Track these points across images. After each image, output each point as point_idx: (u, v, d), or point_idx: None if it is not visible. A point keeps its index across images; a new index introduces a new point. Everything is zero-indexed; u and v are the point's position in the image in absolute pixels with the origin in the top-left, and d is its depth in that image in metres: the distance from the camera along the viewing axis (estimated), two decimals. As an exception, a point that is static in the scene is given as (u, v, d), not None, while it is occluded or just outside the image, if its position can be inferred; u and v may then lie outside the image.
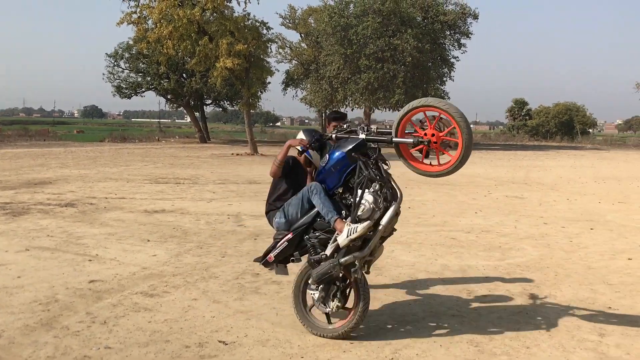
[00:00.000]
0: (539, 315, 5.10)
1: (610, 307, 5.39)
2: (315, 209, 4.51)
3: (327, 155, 4.58)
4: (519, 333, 4.66)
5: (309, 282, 4.53)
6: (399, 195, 4.38)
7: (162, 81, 43.72)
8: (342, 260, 4.31)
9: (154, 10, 26.20)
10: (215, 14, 27.71)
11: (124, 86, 45.77)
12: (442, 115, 4.32)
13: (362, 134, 4.44)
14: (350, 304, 4.53)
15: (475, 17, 41.14)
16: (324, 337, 4.48)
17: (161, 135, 51.88)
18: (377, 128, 4.62)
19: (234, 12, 28.71)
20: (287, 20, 45.01)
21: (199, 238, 8.21)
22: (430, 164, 4.52)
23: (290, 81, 45.70)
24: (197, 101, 47.52)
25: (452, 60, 41.76)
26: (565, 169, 23.47)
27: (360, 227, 4.22)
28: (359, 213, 4.27)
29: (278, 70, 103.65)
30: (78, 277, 6.06)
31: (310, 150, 4.80)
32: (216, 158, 26.37)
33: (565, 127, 76.78)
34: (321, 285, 4.46)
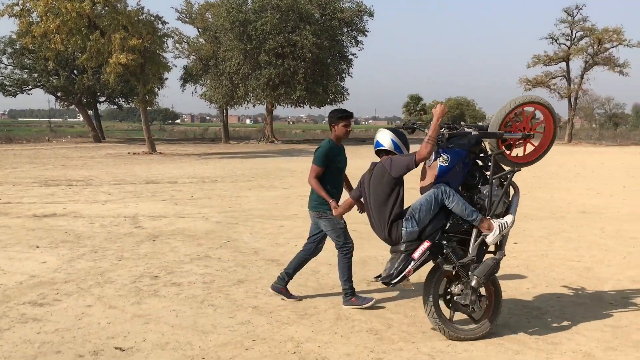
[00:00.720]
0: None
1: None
2: (441, 213, 4.33)
3: (446, 155, 4.40)
4: (415, 319, 4.86)
5: (460, 288, 4.42)
6: (518, 188, 4.62)
7: (50, 78, 41.35)
8: (499, 256, 4.42)
9: (39, 2, 24.60)
10: (107, 8, 26.48)
11: (8, 83, 42.83)
12: (538, 110, 4.71)
13: (474, 131, 4.49)
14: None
15: (371, 14, 42.21)
16: (476, 338, 4.40)
17: (52, 135, 48.98)
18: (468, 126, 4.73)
19: (127, 6, 27.67)
20: (184, 15, 43.96)
21: (93, 242, 7.84)
22: (517, 156, 4.77)
23: (189, 77, 44.67)
24: (89, 99, 45.36)
25: (350, 57, 42.66)
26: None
27: (510, 221, 4.35)
28: (496, 209, 4.44)
29: (175, 66, 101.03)
30: (-44, 290, 5.59)
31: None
32: (112, 158, 25.29)
33: (457, 120, 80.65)
34: (470, 289, 4.36)
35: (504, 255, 4.50)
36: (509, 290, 5.70)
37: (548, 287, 5.86)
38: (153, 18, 28.72)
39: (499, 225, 4.31)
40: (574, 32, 43.46)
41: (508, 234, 4.46)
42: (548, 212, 10.73)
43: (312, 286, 5.80)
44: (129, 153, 28.31)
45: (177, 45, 43.28)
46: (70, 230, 8.67)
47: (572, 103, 44.69)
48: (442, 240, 4.34)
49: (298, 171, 18.98)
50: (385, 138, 4.66)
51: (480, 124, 5.07)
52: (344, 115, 5.27)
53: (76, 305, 5.15)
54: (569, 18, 43.24)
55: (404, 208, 4.39)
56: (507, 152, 4.68)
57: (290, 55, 36.55)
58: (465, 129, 4.53)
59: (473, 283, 4.30)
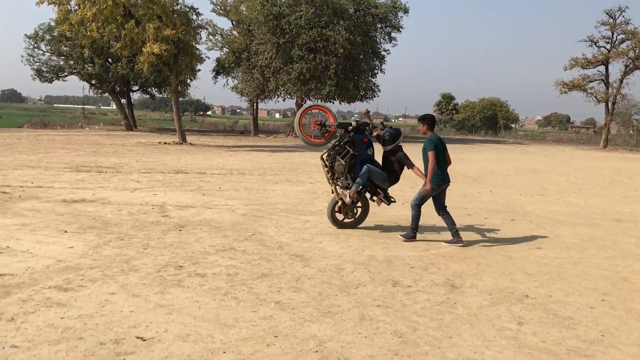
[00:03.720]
0: (461, 305, 5.19)
1: (528, 296, 5.57)
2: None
3: None
4: (442, 323, 4.73)
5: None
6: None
7: (86, 65, 41.94)
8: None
9: (76, -10, 24.96)
10: (143, -3, 26.75)
11: (45, 70, 43.62)
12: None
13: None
14: None
15: (406, 11, 41.77)
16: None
17: (85, 121, 49.80)
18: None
19: (163, -4, 27.82)
20: (219, 7, 44.05)
21: (120, 229, 7.88)
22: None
23: (221, 69, 44.85)
24: (123, 87, 45.95)
25: (383, 53, 42.29)
26: (489, 162, 24.29)
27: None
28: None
29: (208, 58, 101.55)
30: (-15, 271, 5.65)
31: None
32: (142, 146, 25.55)
33: (489, 121, 79.61)
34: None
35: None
36: (539, 297, 5.53)
37: (581, 296, 5.66)
38: (188, 9, 28.86)
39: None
40: (615, 34, 42.39)
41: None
42: (581, 219, 10.44)
43: (336, 284, 5.69)
44: (159, 142, 28.57)
45: (211, 37, 43.51)
46: (98, 216, 8.73)
47: (610, 108, 43.63)
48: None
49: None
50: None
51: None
52: (418, 118, 8.41)
53: (100, 292, 5.15)
54: (610, 20, 42.17)
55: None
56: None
57: (322, 50, 36.39)
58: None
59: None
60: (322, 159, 8.61)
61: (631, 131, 75.44)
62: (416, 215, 7.91)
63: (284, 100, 42.56)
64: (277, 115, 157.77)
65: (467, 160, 24.62)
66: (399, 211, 10.33)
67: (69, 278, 5.51)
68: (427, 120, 8.14)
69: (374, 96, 41.12)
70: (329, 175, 8.42)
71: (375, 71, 41.35)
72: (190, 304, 4.93)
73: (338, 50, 35.94)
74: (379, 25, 41.55)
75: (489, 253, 7.36)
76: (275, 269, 6.13)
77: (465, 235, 8.37)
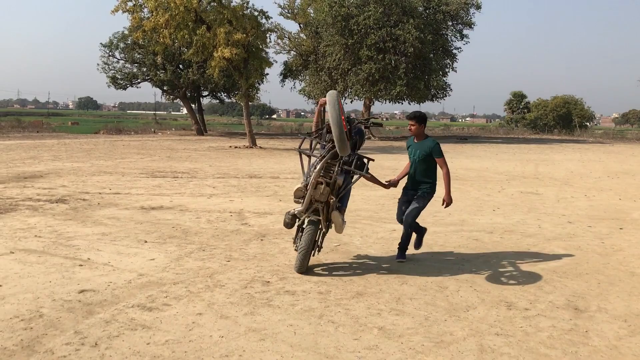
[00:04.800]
0: (594, 334, 4.45)
1: (671, 324, 4.76)
2: None
3: None
4: (578, 357, 4.02)
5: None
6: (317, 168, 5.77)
7: (158, 72, 42.88)
8: (290, 212, 6.17)
9: (150, -2, 25.36)
10: (213, 3, 26.93)
11: (119, 77, 44.91)
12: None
13: None
14: None
15: (478, 7, 40.41)
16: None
17: (157, 127, 51.08)
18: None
19: (232, 1, 27.94)
20: (286, 10, 44.10)
21: (200, 239, 7.54)
22: None
23: (288, 72, 44.87)
24: (193, 93, 46.72)
25: (454, 51, 41.05)
26: (573, 163, 22.85)
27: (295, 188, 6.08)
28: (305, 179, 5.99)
29: (276, 62, 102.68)
30: (67, 285, 5.37)
31: None
32: (214, 151, 25.64)
33: (563, 120, 76.26)
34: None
35: (295, 213, 6.06)
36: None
37: None
38: (257, 13, 28.82)
39: None
40: None
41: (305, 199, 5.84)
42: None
43: (442, 306, 5.07)
44: (230, 146, 28.66)
45: (279, 40, 43.56)
46: (177, 224, 8.46)
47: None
48: None
49: (400, 169, 18.16)
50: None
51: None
52: (407, 116, 6.32)
53: (186, 312, 4.75)
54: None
55: None
56: None
57: (391, 49, 35.63)
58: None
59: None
60: (300, 152, 6.17)
61: None
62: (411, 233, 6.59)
63: (351, 102, 42.01)
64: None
65: (551, 162, 23.25)
66: (492, 218, 9.55)
67: (153, 295, 5.16)
68: (424, 119, 6.53)
69: (446, 95, 40.03)
70: (323, 191, 5.76)
71: (447, 70, 40.18)
72: (284, 328, 4.44)
73: (408, 50, 35.09)
74: (450, 23, 40.38)
75: (607, 268, 6.52)
76: (370, 287, 5.57)
77: (571, 247, 7.54)
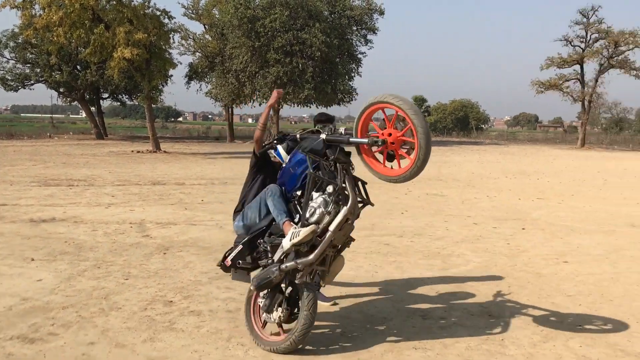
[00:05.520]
0: (510, 343, 4.38)
1: (581, 326, 4.79)
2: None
3: (289, 156, 4.37)
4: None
5: (251, 287, 4.23)
6: (350, 201, 3.88)
7: (53, 73, 40.30)
8: (284, 266, 3.98)
9: (41, -7, 23.68)
10: (112, 1, 25.59)
11: (10, 78, 41.88)
12: (399, 113, 3.77)
13: (323, 134, 4.02)
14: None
15: (382, 13, 41.23)
16: (279, 352, 4.01)
17: (54, 131, 48.11)
18: (345, 129, 4.15)
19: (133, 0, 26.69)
20: (190, 11, 42.93)
21: (96, 254, 6.90)
22: (391, 168, 3.99)
23: (194, 74, 43.70)
24: (92, 95, 44.44)
25: (359, 56, 41.65)
26: (473, 164, 23.74)
27: (303, 231, 3.84)
28: (307, 216, 3.96)
29: (180, 63, 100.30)
30: None
31: (280, 150, 4.48)
32: (115, 156, 24.36)
33: (461, 123, 79.94)
34: (266, 292, 4.18)
35: (299, 268, 3.91)
36: (594, 327, 4.76)
37: (639, 323, 4.90)
38: (159, 12, 27.72)
39: (291, 233, 3.90)
40: (589, 34, 42.51)
41: (321, 245, 3.85)
42: (594, 225, 9.78)
43: (357, 318, 4.84)
44: (132, 151, 27.39)
45: (183, 41, 42.30)
46: (70, 238, 7.73)
47: (586, 107, 43.72)
48: (262, 239, 4.26)
49: (311, 173, 18.04)
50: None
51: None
52: (319, 119, 4.48)
53: (75, 341, 4.21)
54: (584, 20, 42.28)
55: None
56: (378, 164, 4.03)
57: (299, 53, 35.57)
58: (339, 134, 4.06)
59: (251, 286, 4.22)
60: (319, 178, 4.12)
61: (596, 129, 76.29)
62: None
63: (260, 104, 41.51)
64: (250, 121, 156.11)
65: (452, 163, 24.02)
66: (401, 221, 9.54)
67: (37, 323, 4.56)
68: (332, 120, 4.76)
69: (352, 99, 40.44)
70: (349, 229, 4.09)
71: (353, 74, 40.66)
72: (188, 355, 4.02)
73: (315, 53, 35.16)
74: (355, 28, 40.93)
75: (514, 270, 6.59)
76: (282, 301, 5.25)
77: (479, 249, 7.61)
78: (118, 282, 5.76)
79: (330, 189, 3.96)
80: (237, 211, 4.56)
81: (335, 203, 3.92)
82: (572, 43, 43.21)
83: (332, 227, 3.86)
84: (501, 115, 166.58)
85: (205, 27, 42.84)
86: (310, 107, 40.87)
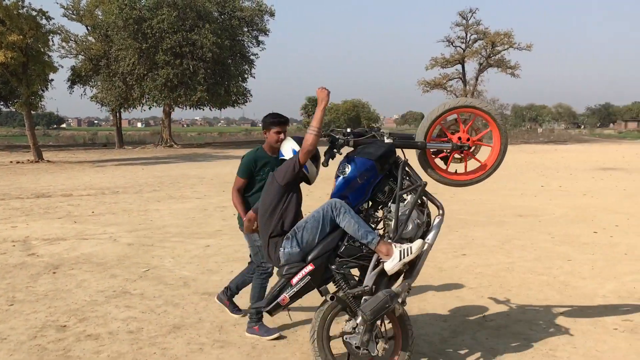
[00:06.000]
0: (421, 340, 4.43)
1: (485, 317, 4.95)
2: (336, 232, 3.57)
3: (345, 165, 3.68)
4: (412, 369, 3.93)
5: (351, 325, 3.59)
6: (443, 207, 3.76)
7: None
8: (396, 289, 3.55)
9: None
10: (-21, -1, 23.61)
11: None
12: (481, 116, 3.88)
13: (386, 138, 3.70)
14: None
15: (272, 14, 41.28)
16: None
17: None
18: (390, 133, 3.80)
19: (5, -1, 24.77)
20: (70, 11, 40.61)
21: (-27, 279, 6.24)
22: (456, 172, 4.00)
23: (77, 78, 41.37)
24: (-38, 102, 40.82)
25: (252, 57, 41.45)
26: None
27: (415, 247, 3.50)
28: (404, 231, 3.61)
29: (62, 67, 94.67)
30: None
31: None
32: (-9, 168, 22.46)
33: (353, 122, 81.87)
34: (362, 327, 3.55)
35: (408, 288, 3.64)
36: (498, 319, 4.93)
37: (538, 312, 5.14)
38: (35, 12, 25.94)
39: (400, 252, 3.50)
40: (469, 35, 45.02)
41: (421, 261, 3.63)
42: (485, 217, 10.27)
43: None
44: (11, 162, 25.40)
45: (64, 43, 39.92)
46: (-59, 263, 6.95)
47: (468, 104, 46.25)
48: (332, 265, 3.57)
49: (208, 178, 17.63)
50: (286, 147, 4.06)
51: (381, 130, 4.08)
52: (278, 121, 4.37)
53: (-47, 382, 3.74)
54: (464, 21, 44.71)
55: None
56: (444, 170, 3.97)
57: (189, 54, 34.78)
58: (384, 138, 3.75)
59: (358, 320, 3.56)
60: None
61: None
62: None
63: (150, 108, 40.18)
64: (140, 125, 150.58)
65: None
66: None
67: None
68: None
69: (246, 101, 40.16)
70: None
71: (246, 75, 40.38)
72: (87, 385, 3.69)
73: (206, 55, 34.53)
74: (246, 29, 40.65)
75: (418, 266, 6.72)
76: (188, 317, 4.99)
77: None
78: (1, 309, 5.22)
79: (410, 198, 3.67)
80: (276, 236, 3.63)
81: (426, 214, 3.74)
82: (453, 44, 45.61)
83: (430, 239, 3.67)
84: (390, 114, 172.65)
85: (87, 29, 40.73)
86: (203, 109, 40.19)
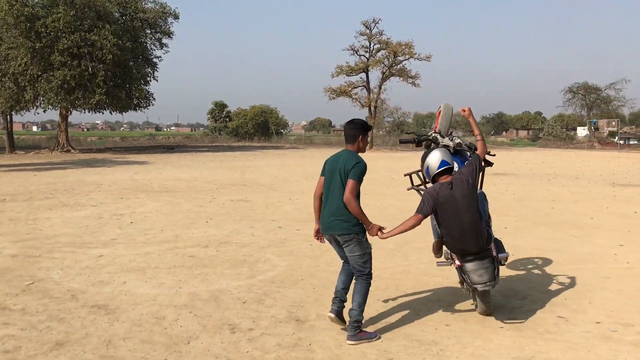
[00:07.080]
0: (317, 347, 4.42)
1: (381, 320, 5.04)
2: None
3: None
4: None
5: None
6: None
7: None
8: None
9: None
10: None
11: None
12: None
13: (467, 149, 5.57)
14: None
15: (176, 16, 40.31)
16: None
17: None
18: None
19: None
20: (-47, 5, 37.57)
21: None
22: None
23: (-40, 78, 38.31)
24: None
25: (155, 60, 40.27)
26: (276, 168, 24.27)
27: None
28: None
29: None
30: None
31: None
32: None
33: (262, 128, 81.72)
34: None
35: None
36: (391, 319, 5.03)
37: (429, 311, 5.29)
38: None
39: None
40: (372, 44, 46.16)
41: None
42: (386, 221, 10.44)
43: (160, 342, 4.51)
44: None
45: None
46: None
47: (372, 112, 47.41)
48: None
49: (106, 184, 16.86)
50: (446, 157, 4.94)
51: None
52: (370, 127, 4.93)
53: None
54: (367, 31, 45.82)
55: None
56: None
57: (87, 55, 33.21)
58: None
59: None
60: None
61: (381, 132, 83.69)
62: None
63: (44, 111, 37.93)
64: (35, 129, 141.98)
65: (255, 168, 24.29)
66: (206, 231, 9.28)
67: None
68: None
69: (149, 105, 38.92)
70: None
71: (149, 78, 39.14)
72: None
73: (106, 56, 33.12)
74: (149, 31, 39.45)
75: (318, 271, 6.77)
76: (73, 332, 4.70)
77: (284, 252, 7.70)
78: None
79: None
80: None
81: None
82: (357, 52, 46.57)
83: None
84: (299, 120, 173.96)
85: (-28, 25, 37.83)
86: (103, 112, 38.55)
